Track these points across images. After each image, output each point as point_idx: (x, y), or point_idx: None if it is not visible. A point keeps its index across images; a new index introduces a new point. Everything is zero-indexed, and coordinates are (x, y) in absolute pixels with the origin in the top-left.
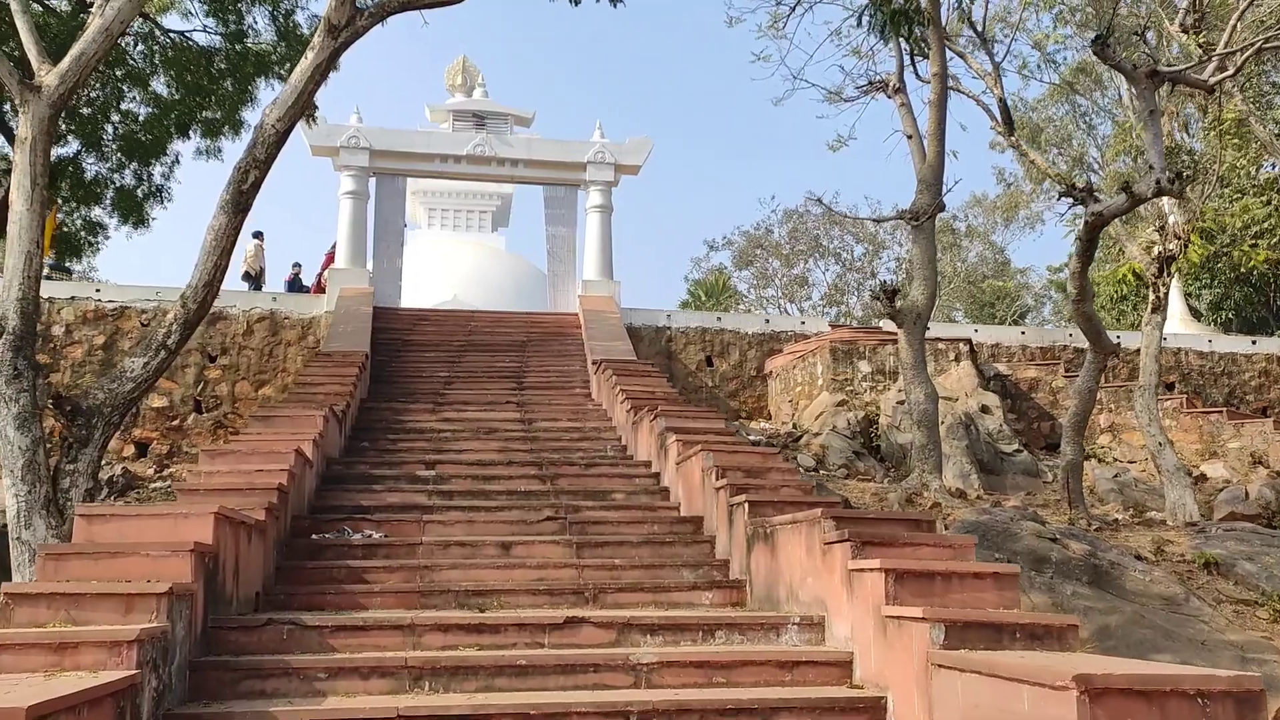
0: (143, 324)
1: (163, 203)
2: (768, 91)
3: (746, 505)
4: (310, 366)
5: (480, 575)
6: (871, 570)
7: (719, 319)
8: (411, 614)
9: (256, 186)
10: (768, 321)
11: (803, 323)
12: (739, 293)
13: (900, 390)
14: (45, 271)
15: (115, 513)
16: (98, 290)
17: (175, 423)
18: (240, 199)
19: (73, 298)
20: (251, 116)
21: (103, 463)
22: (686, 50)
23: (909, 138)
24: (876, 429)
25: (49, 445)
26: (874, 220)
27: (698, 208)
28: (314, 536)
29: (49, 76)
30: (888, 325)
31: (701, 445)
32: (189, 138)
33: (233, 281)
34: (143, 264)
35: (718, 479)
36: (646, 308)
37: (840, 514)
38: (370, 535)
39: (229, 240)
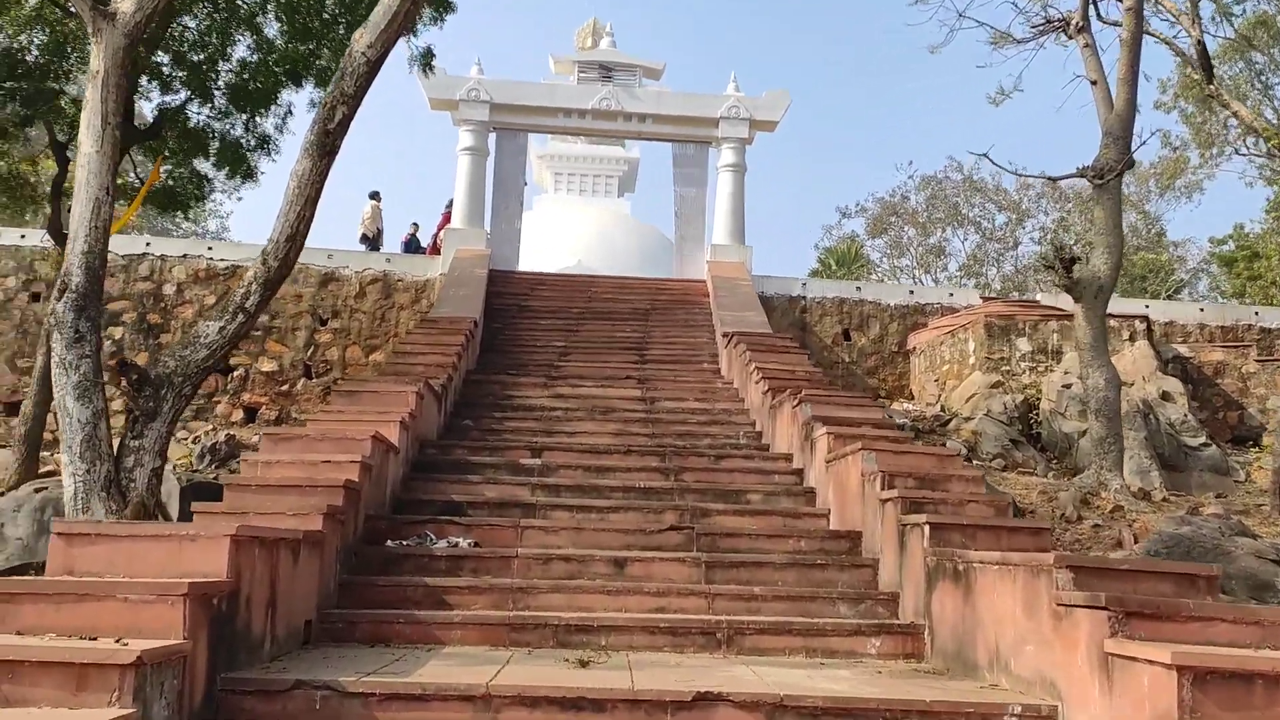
0: None
1: (270, 154)
2: (921, 39)
3: (926, 528)
4: (413, 334)
5: (587, 602)
6: (1154, 664)
7: (859, 289)
8: (489, 676)
9: (344, 125)
10: (912, 293)
11: (951, 294)
12: (871, 262)
13: (1066, 372)
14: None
15: (103, 531)
16: (210, 249)
17: (284, 387)
18: (326, 140)
19: (185, 255)
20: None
21: (208, 429)
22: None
23: (1093, 83)
24: (1036, 415)
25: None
26: (1049, 179)
27: (830, 172)
28: (389, 544)
29: (124, 2)
30: (1048, 299)
31: (860, 442)
32: (301, 87)
33: (349, 243)
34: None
35: (883, 487)
36: (779, 275)
37: (1079, 562)
38: (457, 543)
39: (314, 188)
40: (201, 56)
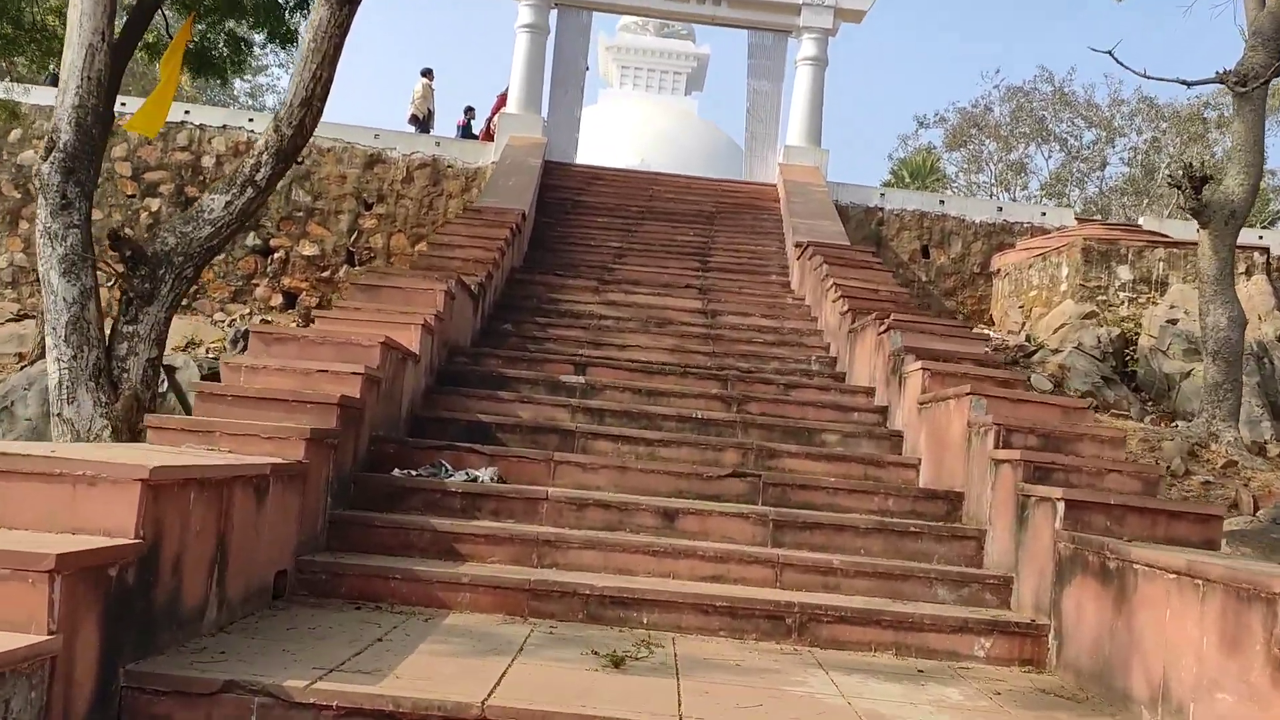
0: (296, 161)
1: (305, 14)
2: None
3: (1061, 506)
4: (453, 224)
5: (627, 564)
6: None
7: (942, 202)
8: (490, 682)
9: None
10: (1000, 209)
11: (1043, 214)
12: (947, 176)
13: (1172, 306)
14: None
15: None
16: (250, 119)
17: (326, 274)
18: None
19: (224, 126)
20: None
21: (244, 313)
22: None
23: None
24: (1133, 351)
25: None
26: (1184, 83)
27: (909, 77)
28: (397, 473)
29: None
30: (1150, 224)
31: (966, 384)
32: None
33: (398, 123)
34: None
35: (997, 444)
36: (854, 183)
37: None
38: (477, 477)
39: (332, 43)
40: None
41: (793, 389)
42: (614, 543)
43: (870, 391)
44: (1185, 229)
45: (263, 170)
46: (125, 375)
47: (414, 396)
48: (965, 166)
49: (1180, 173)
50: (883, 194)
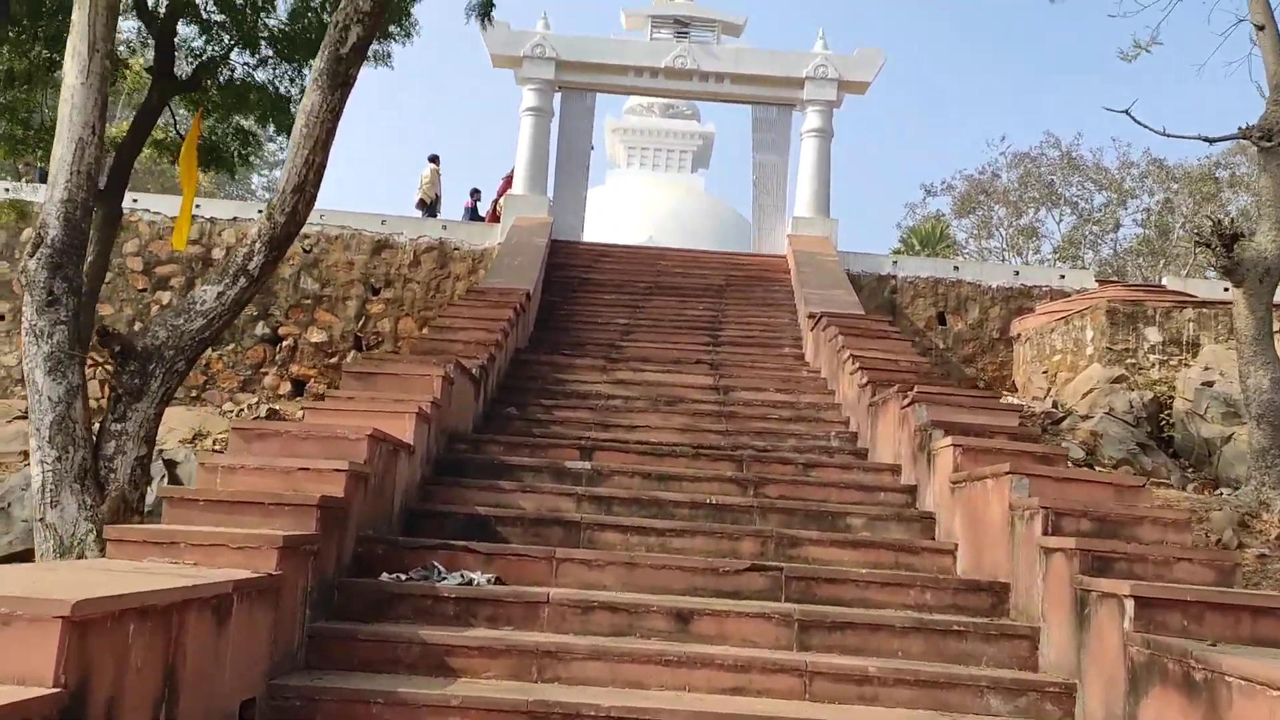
0: (304, 250)
1: None
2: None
3: (1130, 604)
4: (455, 306)
5: (638, 676)
6: None
7: (955, 268)
8: None
9: (360, 50)
10: (1017, 274)
11: (1061, 277)
12: (957, 243)
13: (1207, 368)
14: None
15: None
16: (259, 211)
17: (334, 360)
18: (338, 68)
19: (234, 219)
20: (423, 11)
21: (252, 402)
22: None
23: (1259, 29)
24: (1168, 416)
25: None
26: (1205, 140)
27: (914, 146)
28: (385, 577)
29: None
30: (1174, 284)
31: (1004, 461)
32: None
33: (405, 208)
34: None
35: (1046, 530)
36: (865, 251)
37: None
38: (472, 580)
39: (325, 128)
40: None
41: (812, 468)
42: (623, 651)
43: (896, 469)
44: (1210, 288)
45: (255, 259)
46: (112, 476)
47: (408, 489)
48: (975, 232)
49: (1209, 230)
50: (895, 261)
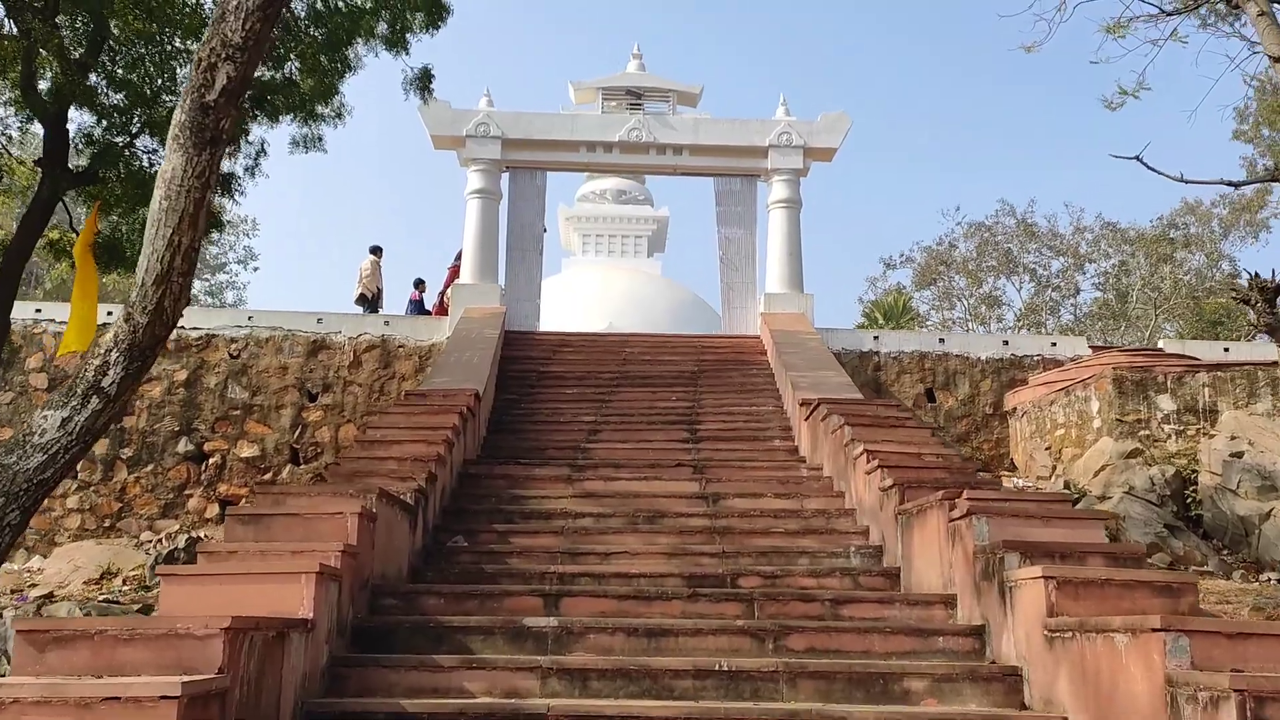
0: (231, 355)
1: (233, 196)
2: (975, 66)
3: None
4: (389, 412)
5: None
6: None
7: (942, 340)
8: None
9: (233, 97)
10: (1006, 343)
11: (1053, 344)
12: (920, 314)
13: (1233, 437)
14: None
15: None
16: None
17: (268, 475)
18: (204, 119)
19: None
20: (352, 91)
21: (173, 530)
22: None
23: (1275, 61)
24: (1193, 492)
25: None
26: (1229, 184)
27: (865, 219)
28: None
29: None
30: (1172, 347)
31: (1134, 603)
32: (277, 122)
33: (346, 305)
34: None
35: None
36: (842, 327)
37: None
38: None
39: (191, 199)
40: (146, 80)
41: (842, 605)
42: None
43: (949, 601)
44: (1210, 349)
45: (112, 373)
46: None
47: (306, 680)
48: (937, 304)
49: (1249, 284)
50: (876, 336)
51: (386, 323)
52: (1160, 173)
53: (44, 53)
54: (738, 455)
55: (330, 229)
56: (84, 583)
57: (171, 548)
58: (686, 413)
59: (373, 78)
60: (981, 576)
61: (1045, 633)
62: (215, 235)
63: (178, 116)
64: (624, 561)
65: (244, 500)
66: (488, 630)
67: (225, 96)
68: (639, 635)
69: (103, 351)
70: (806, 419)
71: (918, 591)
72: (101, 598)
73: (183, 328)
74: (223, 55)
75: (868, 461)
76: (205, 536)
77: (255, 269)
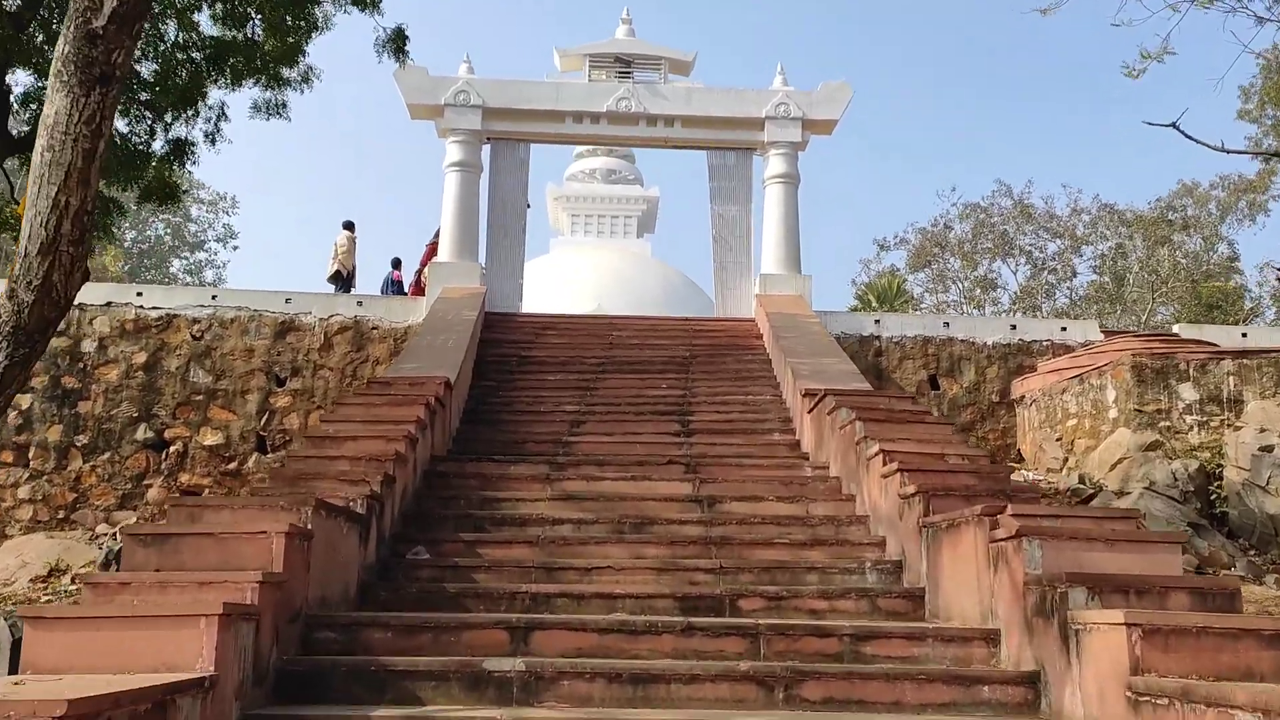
0: (194, 337)
1: (185, 164)
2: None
3: None
4: (346, 403)
5: None
6: None
7: (946, 324)
8: None
9: (125, 25)
10: (1014, 327)
11: (1063, 329)
12: (914, 297)
13: (1263, 429)
14: None
15: None
16: (139, 294)
17: (232, 465)
18: (92, 51)
19: (109, 304)
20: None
21: (130, 521)
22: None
23: None
24: (1218, 487)
25: None
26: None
27: (862, 199)
28: None
29: None
30: (1189, 332)
31: (1254, 663)
32: (239, 86)
33: (315, 283)
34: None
35: None
36: (839, 310)
37: None
38: None
39: (79, 150)
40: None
41: (863, 640)
42: None
43: (990, 637)
44: (1228, 335)
45: None
46: None
47: None
48: (931, 286)
49: None
50: (878, 320)
51: (360, 303)
52: (1200, 141)
53: None
54: (734, 451)
55: (305, 203)
56: (30, 580)
57: (120, 546)
58: (678, 402)
59: (345, 39)
60: (1035, 613)
61: (1129, 694)
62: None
63: (60, 49)
64: (607, 578)
65: (207, 490)
66: (441, 675)
67: (116, 22)
68: (623, 681)
69: None
70: (810, 411)
71: (948, 619)
72: (45, 598)
73: (142, 307)
74: None
75: (884, 463)
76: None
77: (235, 248)
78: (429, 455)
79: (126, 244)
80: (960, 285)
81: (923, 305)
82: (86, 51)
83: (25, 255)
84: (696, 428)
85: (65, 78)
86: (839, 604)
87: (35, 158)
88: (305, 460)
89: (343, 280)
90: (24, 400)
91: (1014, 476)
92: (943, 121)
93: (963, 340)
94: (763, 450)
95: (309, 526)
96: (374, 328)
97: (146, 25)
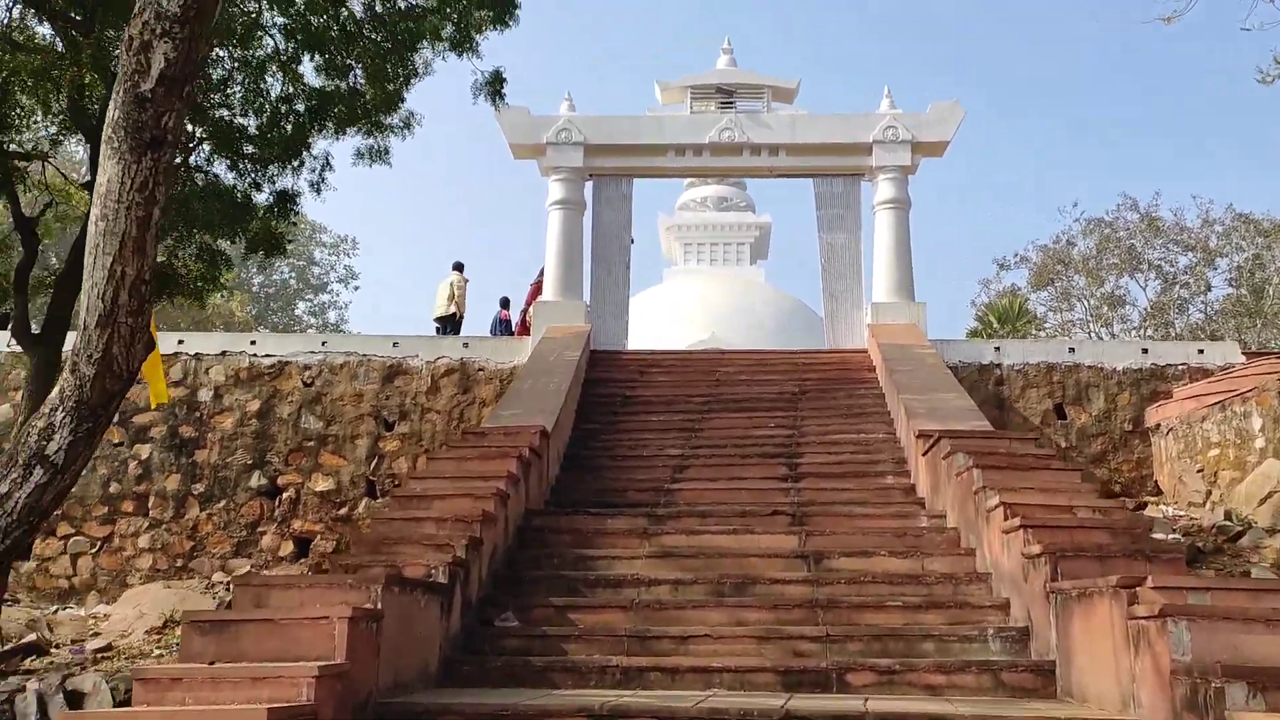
0: (305, 383)
1: (287, 215)
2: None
3: None
4: (438, 458)
5: None
6: None
7: (1072, 350)
8: None
9: (174, 87)
10: (1145, 351)
11: (1200, 351)
12: (1037, 317)
13: None
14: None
15: None
16: (253, 342)
17: (343, 510)
18: (141, 115)
19: (223, 353)
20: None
21: (244, 570)
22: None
23: None
24: None
25: None
26: None
27: (975, 217)
28: None
29: None
30: None
31: None
32: (343, 135)
33: (421, 323)
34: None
35: None
36: (958, 338)
37: None
38: None
39: (133, 218)
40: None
41: None
42: None
43: None
44: None
45: (58, 437)
46: None
47: None
48: (1055, 305)
49: None
50: (998, 347)
51: (465, 345)
52: None
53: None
54: (845, 497)
55: (410, 244)
56: (146, 631)
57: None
58: (785, 443)
59: (441, 81)
60: (1186, 707)
61: None
62: (318, 254)
63: (110, 114)
64: (704, 648)
65: (319, 537)
66: None
67: (165, 85)
68: None
69: (47, 412)
70: (925, 454)
71: (1083, 699)
72: (156, 652)
73: (255, 355)
74: (157, 30)
75: (1006, 518)
76: (272, 578)
77: (356, 288)
78: (523, 509)
79: (254, 288)
80: (1086, 303)
81: (1046, 325)
82: (136, 116)
83: (85, 328)
84: (805, 470)
85: (115, 144)
86: (958, 679)
87: (89, 228)
88: (390, 523)
89: (451, 323)
90: (144, 450)
91: (1153, 512)
92: (1062, 133)
93: (1090, 366)
94: (875, 496)
95: (378, 606)
96: (480, 369)
97: (249, 81)
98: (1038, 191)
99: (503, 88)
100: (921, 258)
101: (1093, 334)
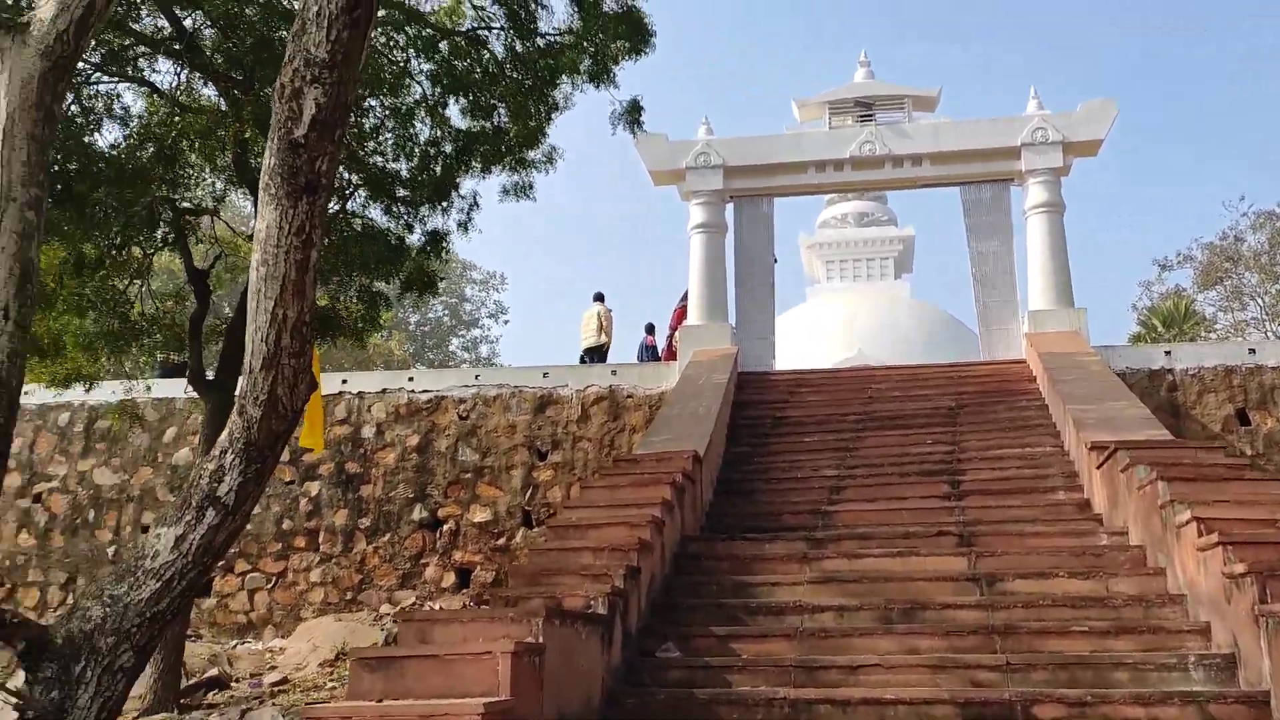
0: (460, 417)
1: (438, 254)
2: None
3: None
4: (591, 488)
5: None
6: None
7: (1252, 351)
8: None
9: (326, 131)
10: None
11: None
12: (1206, 318)
13: None
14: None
15: None
16: (410, 379)
17: (501, 540)
18: (296, 160)
19: (383, 391)
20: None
21: (409, 602)
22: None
23: None
24: None
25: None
26: None
27: (1129, 216)
28: None
29: (43, 7)
30: None
31: None
32: (489, 173)
33: (568, 357)
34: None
35: None
36: (1122, 344)
37: None
38: None
39: (289, 262)
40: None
41: None
42: None
43: None
44: None
45: (229, 479)
46: None
47: None
48: (1225, 304)
49: None
50: (1168, 351)
51: (613, 372)
52: None
53: (250, 127)
54: (1013, 515)
55: (551, 272)
56: (319, 664)
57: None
58: (945, 459)
59: (578, 113)
60: None
61: None
62: (469, 291)
63: (266, 161)
64: (875, 678)
65: (478, 568)
66: None
67: (318, 130)
68: None
69: (217, 454)
70: (1100, 467)
71: None
72: (329, 685)
73: (413, 391)
74: (307, 77)
75: (1200, 534)
76: (436, 611)
77: (506, 322)
78: (678, 536)
79: (410, 327)
80: (1260, 301)
81: (1217, 327)
82: (291, 162)
83: (250, 371)
84: (968, 488)
85: (273, 190)
86: (1159, 711)
87: (251, 274)
88: (547, 554)
89: (601, 354)
90: (313, 487)
91: None
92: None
93: (1274, 367)
94: (1046, 513)
95: (539, 639)
96: (629, 396)
97: (399, 127)
98: (1195, 187)
99: (640, 116)
100: (1076, 262)
101: (1269, 333)
